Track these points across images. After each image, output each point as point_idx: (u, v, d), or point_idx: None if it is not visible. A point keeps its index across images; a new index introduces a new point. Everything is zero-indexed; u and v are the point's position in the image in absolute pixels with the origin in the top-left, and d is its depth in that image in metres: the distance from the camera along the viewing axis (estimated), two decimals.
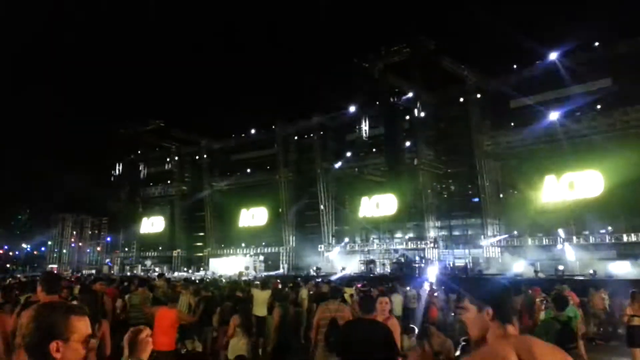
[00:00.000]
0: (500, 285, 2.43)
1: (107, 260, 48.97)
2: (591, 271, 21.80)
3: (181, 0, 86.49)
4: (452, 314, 12.22)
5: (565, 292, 10.28)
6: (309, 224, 39.36)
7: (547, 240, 26.75)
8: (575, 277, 20.63)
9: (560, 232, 25.98)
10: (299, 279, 20.66)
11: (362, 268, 30.84)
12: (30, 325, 1.80)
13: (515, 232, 29.08)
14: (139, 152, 47.15)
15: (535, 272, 22.88)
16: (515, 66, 30.76)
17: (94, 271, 43.51)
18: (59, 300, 4.63)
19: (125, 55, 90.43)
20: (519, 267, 24.60)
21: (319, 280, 17.51)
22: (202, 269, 39.65)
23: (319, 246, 36.16)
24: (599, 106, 27.53)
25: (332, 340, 6.08)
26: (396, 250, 32.35)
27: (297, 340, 10.05)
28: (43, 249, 60.84)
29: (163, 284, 14.54)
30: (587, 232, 25.47)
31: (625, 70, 25.88)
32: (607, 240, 24.62)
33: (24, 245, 66.17)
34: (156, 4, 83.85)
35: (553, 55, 28.69)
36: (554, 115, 27.84)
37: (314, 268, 32.13)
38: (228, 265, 36.52)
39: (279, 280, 17.12)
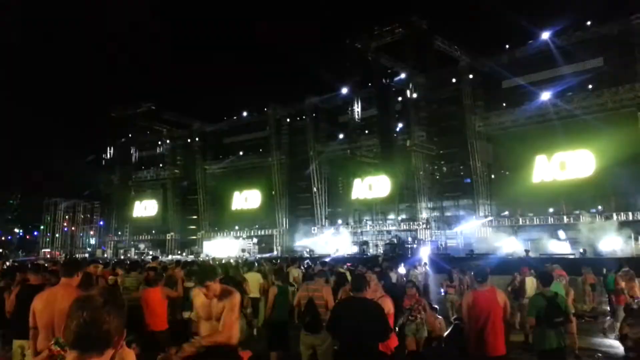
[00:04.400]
0: None
1: (103, 245, 48.88)
2: (581, 250, 22.11)
3: None
4: (443, 293, 12.40)
5: (555, 271, 10.46)
6: (302, 206, 39.52)
7: (537, 220, 27.02)
8: (566, 256, 20.88)
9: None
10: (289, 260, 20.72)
11: (356, 249, 31.05)
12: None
13: (507, 212, 29.37)
14: (130, 135, 46.74)
15: (526, 251, 23.14)
16: (507, 46, 30.69)
17: (87, 255, 43.52)
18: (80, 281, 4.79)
19: (116, 37, 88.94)
20: (510, 246, 24.87)
21: (308, 261, 17.69)
22: (196, 251, 39.72)
23: (312, 228, 36.34)
24: (590, 86, 27.63)
25: (309, 321, 6.15)
26: (389, 232, 32.57)
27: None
28: (36, 233, 60.70)
29: (157, 267, 14.58)
30: (577, 212, 25.73)
31: (616, 50, 25.99)
32: (598, 220, 24.87)
33: (16, 230, 65.99)
34: None
35: (545, 35, 28.68)
36: (545, 96, 27.94)
37: (307, 250, 32.33)
38: (222, 247, 36.65)
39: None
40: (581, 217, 25.30)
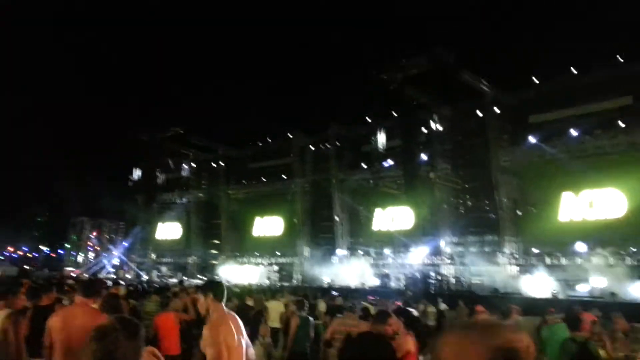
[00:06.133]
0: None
1: (125, 266, 49.36)
2: (611, 293, 21.30)
3: (202, 11, 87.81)
4: None
5: (583, 314, 10.08)
6: (324, 235, 39.26)
7: (565, 260, 26.23)
8: (596, 299, 20.16)
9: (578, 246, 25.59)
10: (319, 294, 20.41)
11: (377, 281, 30.61)
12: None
13: (535, 251, 28.61)
14: (157, 158, 47.63)
15: (553, 292, 22.47)
16: (535, 80, 30.53)
17: (109, 275, 43.92)
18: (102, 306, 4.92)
19: (145, 63, 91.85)
20: (536, 286, 24.15)
21: (335, 293, 17.49)
22: (215, 276, 39.73)
23: (333, 258, 36.03)
24: (620, 123, 27.08)
25: (347, 357, 6.07)
26: (411, 265, 32.06)
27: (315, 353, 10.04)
28: (61, 251, 61.80)
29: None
30: (606, 254, 24.90)
31: None
32: (630, 262, 24.02)
33: (42, 248, 67.29)
34: (176, 12, 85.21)
35: (574, 71, 28.49)
36: (573, 132, 27.60)
37: (328, 280, 32.01)
38: (239, 273, 36.66)
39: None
40: (611, 259, 24.49)
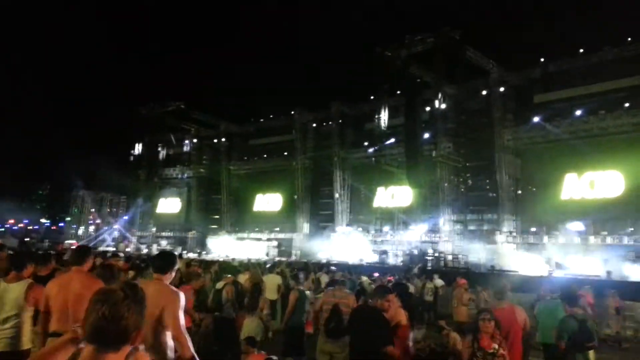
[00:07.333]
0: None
1: (125, 239, 49.72)
2: (606, 271, 21.39)
3: None
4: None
5: (578, 292, 10.13)
6: (323, 211, 39.41)
7: (563, 238, 26.25)
8: (591, 277, 20.25)
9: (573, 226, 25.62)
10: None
11: (375, 258, 30.75)
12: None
13: (533, 229, 28.67)
14: (159, 133, 47.53)
15: (548, 270, 22.55)
16: (541, 60, 30.11)
17: (110, 249, 44.24)
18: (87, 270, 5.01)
19: (149, 36, 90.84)
20: (533, 264, 24.24)
21: (334, 268, 17.66)
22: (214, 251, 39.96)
23: (332, 234, 36.17)
24: (626, 105, 26.77)
25: (333, 327, 6.12)
26: (409, 242, 32.19)
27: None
28: (62, 224, 62.18)
29: (182, 265, 14.74)
30: (605, 233, 24.94)
31: None
32: (626, 242, 24.06)
33: (43, 220, 67.70)
34: None
35: (580, 51, 28.11)
36: (578, 112, 27.35)
37: (327, 256, 32.17)
38: (240, 248, 36.80)
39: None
40: (608, 238, 24.56)
